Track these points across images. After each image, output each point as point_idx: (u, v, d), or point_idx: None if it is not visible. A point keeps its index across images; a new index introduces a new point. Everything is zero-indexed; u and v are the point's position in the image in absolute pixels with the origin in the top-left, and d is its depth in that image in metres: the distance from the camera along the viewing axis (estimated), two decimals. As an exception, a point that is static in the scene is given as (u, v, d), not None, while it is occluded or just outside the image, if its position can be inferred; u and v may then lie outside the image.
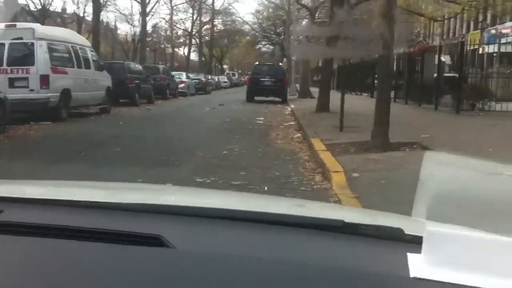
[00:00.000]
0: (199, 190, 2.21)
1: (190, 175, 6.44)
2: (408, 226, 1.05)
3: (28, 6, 36.25)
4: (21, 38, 12.89)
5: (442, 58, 18.65)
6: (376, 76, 21.29)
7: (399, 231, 1.03)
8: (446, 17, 25.39)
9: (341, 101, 10.81)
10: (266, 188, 5.81)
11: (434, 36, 42.51)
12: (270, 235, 1.07)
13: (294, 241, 1.05)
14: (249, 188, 5.77)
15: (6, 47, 12.75)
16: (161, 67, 30.74)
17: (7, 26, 13.39)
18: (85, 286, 0.85)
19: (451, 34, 42.12)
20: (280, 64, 31.76)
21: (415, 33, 35.63)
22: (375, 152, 7.71)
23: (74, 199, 1.25)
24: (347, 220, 1.09)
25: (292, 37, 37.32)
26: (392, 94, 13.48)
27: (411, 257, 0.91)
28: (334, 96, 15.55)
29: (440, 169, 1.10)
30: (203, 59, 63.47)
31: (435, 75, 17.09)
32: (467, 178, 1.11)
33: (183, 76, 32.98)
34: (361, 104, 16.54)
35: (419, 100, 16.98)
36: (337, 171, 6.36)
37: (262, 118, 15.02)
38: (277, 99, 24.31)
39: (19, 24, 14.22)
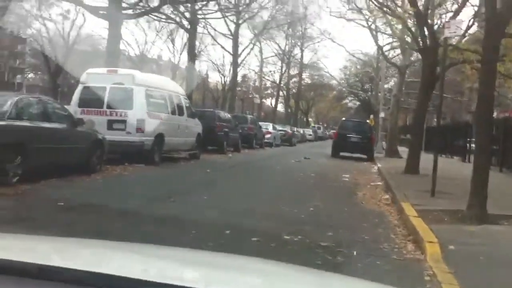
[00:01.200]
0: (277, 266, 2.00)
1: (277, 231, 6.37)
2: None
3: (128, 52, 38.54)
4: (122, 83, 13.57)
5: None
6: (469, 139, 20.55)
7: None
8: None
9: (434, 164, 10.43)
10: (355, 253, 5.64)
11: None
12: None
13: None
14: (337, 250, 5.62)
15: (107, 90, 13.46)
16: (249, 117, 31.34)
17: (109, 71, 14.22)
18: None
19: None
20: (367, 121, 31.45)
21: (511, 97, 34.27)
22: (471, 224, 7.31)
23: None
24: None
25: (379, 94, 37.13)
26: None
27: None
28: (423, 158, 15.11)
29: None
30: (289, 110, 64.22)
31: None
32: None
33: (270, 127, 33.41)
34: (452, 167, 15.97)
35: (515, 168, 16.11)
36: (431, 242, 6.06)
37: (348, 175, 14.80)
38: (363, 156, 23.96)
39: (120, 70, 15.05)
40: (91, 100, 13.48)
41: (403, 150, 19.62)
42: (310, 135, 54.63)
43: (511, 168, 16.53)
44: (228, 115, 24.49)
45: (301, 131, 50.55)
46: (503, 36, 8.91)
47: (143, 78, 14.55)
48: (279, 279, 1.52)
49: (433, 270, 5.08)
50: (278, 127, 37.69)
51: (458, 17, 15.42)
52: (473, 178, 8.00)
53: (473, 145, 16.96)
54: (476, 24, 16.94)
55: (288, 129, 39.82)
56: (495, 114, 23.36)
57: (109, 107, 13.40)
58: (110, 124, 13.25)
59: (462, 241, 6.25)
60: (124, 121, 13.30)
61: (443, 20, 11.24)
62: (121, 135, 13.04)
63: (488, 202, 7.88)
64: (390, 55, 33.42)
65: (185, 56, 33.96)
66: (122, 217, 6.61)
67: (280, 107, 67.90)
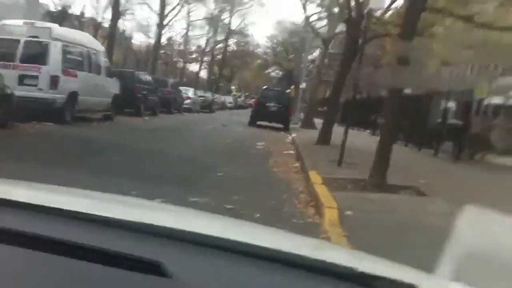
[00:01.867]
0: (195, 213, 2.12)
1: (184, 193, 6.44)
2: (427, 283, 0.98)
3: (48, 6, 36.70)
4: (37, 37, 13.00)
5: (448, 104, 18.71)
6: (381, 113, 21.38)
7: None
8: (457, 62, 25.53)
9: (344, 136, 10.84)
10: (257, 215, 5.83)
11: (442, 80, 42.71)
12: (278, 275, 1.00)
13: (303, 286, 0.99)
14: (241, 213, 5.78)
15: (21, 44, 12.87)
16: (170, 80, 30.89)
17: (25, 23, 13.57)
18: None
19: (460, 81, 42.33)
20: (288, 91, 31.88)
21: (424, 75, 35.80)
22: (371, 192, 7.73)
23: (70, 208, 1.16)
24: (360, 268, 1.01)
25: (302, 65, 37.64)
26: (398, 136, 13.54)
27: None
28: (336, 130, 15.63)
29: (476, 226, 1.02)
30: (212, 77, 63.88)
31: (439, 120, 17.15)
32: (504, 237, 1.03)
33: (190, 92, 33.15)
34: (361, 140, 16.61)
35: (419, 144, 17.01)
36: (330, 207, 6.37)
37: (262, 143, 15.06)
38: (279, 125, 24.38)
39: (38, 23, 14.38)
40: (2, 53, 12.83)
41: (320, 122, 20.14)
42: (230, 103, 54.77)
43: (416, 144, 17.41)
44: (148, 77, 24.03)
45: (222, 98, 50.56)
46: (423, 11, 9.24)
47: (61, 33, 13.99)
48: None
49: (328, 234, 5.37)
50: (199, 93, 37.48)
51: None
52: (377, 149, 8.42)
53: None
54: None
55: (209, 95, 39.71)
56: (409, 91, 24.38)
57: (22, 61, 12.83)
58: (21, 79, 12.72)
59: (360, 208, 6.61)
60: (36, 77, 12.80)
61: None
62: (32, 91, 12.55)
63: (390, 173, 8.34)
64: (317, 26, 33.84)
65: (109, 14, 32.77)
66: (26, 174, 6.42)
67: (204, 73, 67.46)
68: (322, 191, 7.41)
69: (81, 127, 13.32)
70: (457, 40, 17.07)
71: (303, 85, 34.30)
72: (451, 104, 21.22)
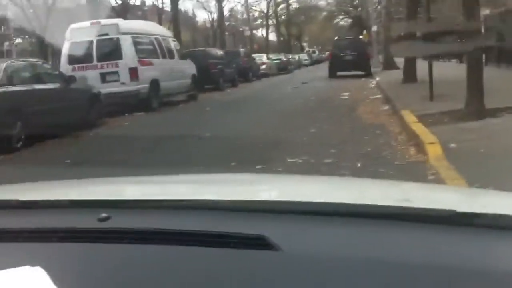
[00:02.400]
0: (288, 178, 2.13)
1: (282, 155, 6.47)
2: None
3: (109, 2, 37.67)
4: (107, 34, 13.40)
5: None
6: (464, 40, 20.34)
7: None
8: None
9: (429, 69, 10.41)
10: (359, 164, 5.75)
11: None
12: (376, 231, 0.98)
13: (402, 237, 0.96)
14: (342, 165, 5.73)
15: (94, 44, 13.31)
16: (241, 50, 30.97)
17: (92, 23, 14.00)
18: None
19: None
20: (361, 37, 31.01)
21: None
22: (470, 121, 7.40)
23: (172, 198, 1.23)
24: (457, 207, 0.99)
25: (369, 8, 36.38)
26: (483, 58, 12.83)
27: None
28: (421, 65, 15.02)
29: None
30: (281, 38, 63.35)
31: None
32: None
33: (264, 58, 33.07)
34: (450, 71, 15.88)
35: (512, 62, 16.03)
36: (432, 143, 6.16)
37: (347, 94, 14.79)
38: (360, 72, 23.82)
39: (103, 21, 14.79)
40: (79, 56, 13.36)
41: (401, 61, 19.47)
42: (305, 60, 54.04)
43: (509, 63, 16.43)
44: (220, 52, 24.21)
45: (296, 57, 50.01)
46: None
47: (127, 26, 14.33)
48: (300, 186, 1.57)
49: (436, 169, 5.20)
50: (273, 57, 37.30)
51: None
52: (468, 76, 8.02)
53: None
54: None
55: (282, 57, 39.39)
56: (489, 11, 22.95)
57: (99, 60, 13.28)
58: (103, 77, 13.19)
59: (463, 138, 6.35)
60: (116, 72, 13.22)
61: None
62: (115, 86, 12.99)
63: (487, 97, 7.93)
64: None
65: (168, -2, 33.22)
66: (127, 167, 6.70)
67: (272, 37, 67.01)
68: (419, 129, 7.18)
69: (169, 111, 13.69)
70: None
71: (374, 28, 33.18)
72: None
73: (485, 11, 18.38)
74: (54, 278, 0.81)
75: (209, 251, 0.93)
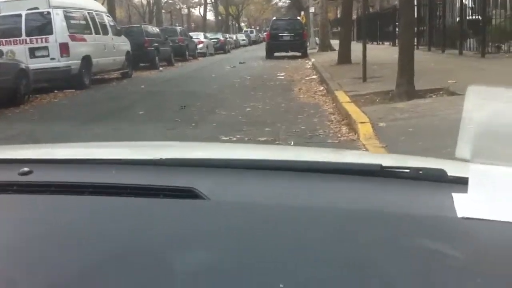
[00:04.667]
0: (225, 145, 2.18)
1: (216, 134, 6.44)
2: (450, 167, 1.01)
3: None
4: (37, 8, 12.86)
5: (464, 1, 18.07)
6: (397, 23, 20.89)
7: (441, 171, 0.99)
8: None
9: (363, 51, 10.61)
10: (292, 142, 5.80)
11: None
12: (305, 182, 1.02)
13: (331, 188, 1.01)
14: (276, 143, 5.76)
15: (23, 17, 12.76)
16: (178, 28, 30.48)
17: None
18: (123, 238, 0.83)
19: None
20: (298, 17, 31.18)
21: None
22: (400, 101, 7.61)
23: (103, 157, 1.24)
24: (384, 163, 1.05)
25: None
26: (415, 41, 13.21)
27: (457, 197, 0.88)
28: (355, 47, 15.30)
29: (485, 104, 1.02)
30: (219, 18, 62.84)
31: (458, 19, 16.63)
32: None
33: (201, 37, 32.68)
34: (383, 53, 16.28)
35: (442, 46, 16.61)
36: (363, 122, 6.30)
37: (283, 74, 14.88)
38: (297, 53, 24.01)
39: (34, -7, 14.15)
40: (7, 30, 12.78)
41: (336, 43, 19.76)
42: (243, 40, 53.94)
43: (439, 46, 17.00)
44: (156, 29, 23.70)
45: (234, 37, 49.81)
46: None
47: (59, 0, 13.78)
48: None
49: (366, 147, 5.32)
50: (210, 36, 36.95)
51: None
52: (399, 57, 8.23)
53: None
54: None
55: (220, 36, 39.12)
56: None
57: (28, 34, 12.74)
58: (32, 52, 12.67)
59: (392, 118, 6.52)
60: (46, 47, 12.73)
61: None
62: (45, 62, 12.51)
63: (417, 79, 8.17)
64: None
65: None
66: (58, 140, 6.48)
67: (210, 16, 66.38)
68: (351, 108, 7.32)
69: (102, 88, 13.32)
70: None
71: (312, 9, 33.49)
72: (467, 0, 20.52)
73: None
74: None
75: (137, 201, 0.94)
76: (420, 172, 1.02)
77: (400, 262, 0.74)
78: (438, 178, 0.99)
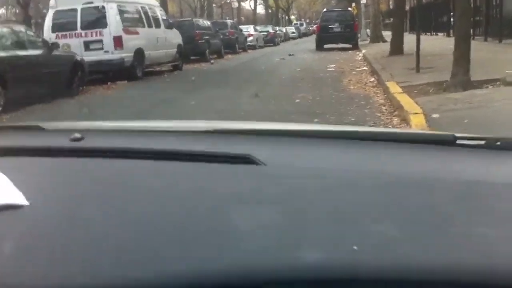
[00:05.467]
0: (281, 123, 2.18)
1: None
2: None
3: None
4: (92, 2, 13.18)
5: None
6: (452, 13, 20.33)
7: None
8: None
9: (417, 41, 10.35)
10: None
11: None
12: (372, 150, 1.00)
13: (399, 155, 0.99)
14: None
15: (79, 12, 13.11)
16: (229, 21, 30.63)
17: None
18: (181, 203, 0.83)
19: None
20: (349, 9, 30.75)
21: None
22: (455, 91, 7.38)
23: (159, 127, 1.25)
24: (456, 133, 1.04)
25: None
26: (471, 31, 12.80)
27: None
28: (408, 39, 14.97)
29: None
30: (269, 11, 62.73)
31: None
32: None
33: (251, 29, 32.69)
34: (437, 44, 15.87)
35: (499, 36, 16.02)
36: (416, 113, 6.15)
37: (333, 65, 14.71)
38: (347, 45, 23.70)
39: (88, -12, 14.48)
40: (63, 24, 13.18)
41: (389, 35, 19.39)
42: (293, 32, 53.61)
43: (495, 36, 16.41)
44: (207, 23, 23.90)
45: (284, 30, 49.61)
46: None
47: (113, -6, 14.07)
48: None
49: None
50: (260, 29, 36.93)
51: None
52: (455, 47, 7.98)
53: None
54: None
55: (269, 29, 39.03)
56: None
57: (83, 28, 13.11)
58: (87, 45, 13.03)
59: (447, 109, 6.34)
60: (100, 41, 13.05)
61: None
62: (99, 55, 12.83)
63: (473, 70, 7.91)
64: None
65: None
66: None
67: (260, 9, 66.37)
68: (403, 99, 7.17)
69: (153, 81, 13.54)
70: None
71: (364, 1, 32.94)
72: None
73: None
74: (32, 189, 0.83)
75: (195, 166, 0.95)
76: (498, 143, 1.00)
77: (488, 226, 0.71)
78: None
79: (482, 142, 1.01)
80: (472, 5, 17.74)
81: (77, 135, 1.06)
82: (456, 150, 1.00)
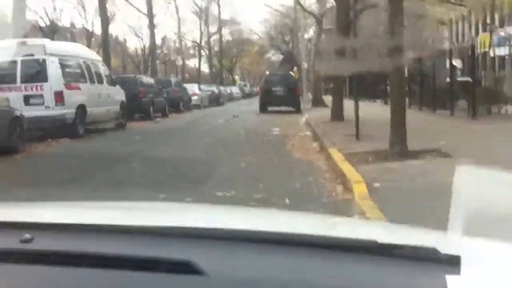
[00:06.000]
0: (219, 208, 2.17)
1: (210, 189, 6.42)
2: (443, 244, 1.03)
3: (37, 22, 36.63)
4: (33, 55, 12.94)
5: (454, 62, 18.52)
6: (388, 82, 21.31)
7: (434, 251, 1.00)
8: (453, 20, 25.26)
9: (356, 110, 10.77)
10: (287, 201, 5.78)
11: (443, 40, 42.33)
12: (301, 257, 1.03)
13: (326, 264, 1.02)
14: (271, 201, 5.74)
15: (19, 64, 12.80)
16: (173, 79, 30.83)
17: (18, 43, 13.44)
18: None
19: (460, 38, 41.94)
20: (291, 72, 31.72)
21: (424, 37, 35.43)
22: (394, 161, 7.66)
23: (99, 222, 1.24)
24: (379, 239, 1.06)
25: (300, 45, 37.39)
26: (406, 101, 13.43)
27: (450, 280, 0.89)
28: (348, 104, 15.51)
29: (473, 184, 1.08)
30: (213, 70, 63.72)
31: (448, 79, 16.98)
32: (501, 192, 1.09)
33: (196, 88, 32.91)
34: (375, 111, 16.49)
35: (433, 106, 16.87)
36: (358, 181, 6.31)
37: (277, 129, 14.99)
38: (290, 108, 24.27)
39: (30, 40, 14.21)
40: (2, 76, 12.79)
41: (329, 100, 20.04)
42: (237, 93, 54.57)
43: (430, 106, 17.27)
44: (151, 80, 23.99)
45: (228, 90, 50.40)
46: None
47: (55, 47, 13.92)
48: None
49: (362, 208, 5.31)
50: (204, 88, 37.33)
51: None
52: (392, 117, 8.34)
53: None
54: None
55: (214, 88, 39.56)
56: (412, 56, 24.14)
57: (23, 81, 12.78)
58: (27, 100, 12.68)
59: (387, 178, 6.55)
60: (41, 95, 12.77)
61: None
62: (40, 110, 12.52)
63: (410, 138, 8.26)
64: (307, 4, 33.58)
65: (98, 21, 32.53)
66: (48, 193, 6.41)
67: (205, 68, 67.26)
68: (346, 167, 7.36)
69: (96, 139, 13.34)
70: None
71: (305, 65, 34.10)
72: (457, 62, 21.06)
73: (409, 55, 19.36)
74: None
75: (134, 275, 0.94)
76: (413, 250, 1.03)
77: None
78: (432, 258, 1.00)
79: (402, 251, 1.03)
80: (407, 75, 18.72)
81: (27, 235, 1.04)
82: (377, 260, 1.02)
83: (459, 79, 18.34)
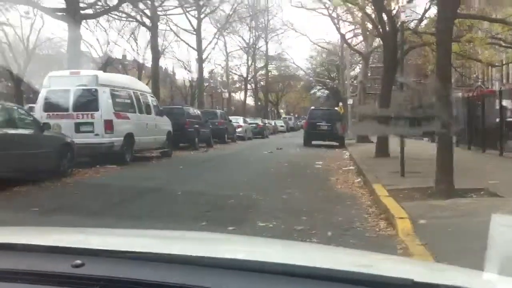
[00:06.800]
0: (259, 240, 2.19)
1: (253, 218, 6.44)
2: (478, 284, 1.03)
3: (91, 54, 37.98)
4: (85, 85, 13.42)
5: (504, 103, 18.12)
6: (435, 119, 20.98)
7: None
8: (504, 62, 24.82)
9: (401, 146, 10.65)
10: (330, 233, 5.73)
11: (493, 80, 41.60)
12: None
13: None
14: (312, 233, 5.71)
15: (72, 93, 13.28)
16: (218, 111, 31.28)
17: (72, 73, 14.02)
18: None
19: (510, 79, 41.09)
20: (336, 108, 31.71)
21: (473, 77, 34.90)
22: (440, 199, 7.49)
23: (145, 250, 1.28)
24: (416, 277, 1.06)
25: (346, 82, 37.42)
26: (454, 139, 13.19)
27: None
28: (393, 141, 15.33)
29: (508, 230, 1.13)
30: (259, 103, 64.25)
31: (497, 119, 16.61)
32: None
33: (241, 121, 33.36)
34: (421, 148, 16.23)
35: (482, 145, 16.50)
36: (402, 217, 6.20)
37: (320, 162, 14.94)
38: (334, 143, 24.18)
39: (83, 71, 14.79)
40: (55, 104, 13.29)
41: (375, 136, 19.85)
42: (282, 126, 54.76)
43: (479, 146, 16.89)
44: (197, 111, 24.41)
45: (273, 123, 50.65)
46: (456, 17, 9.07)
47: (107, 78, 14.41)
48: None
49: (405, 243, 5.21)
50: (249, 120, 37.68)
51: (414, 1, 15.73)
52: (438, 155, 8.18)
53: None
54: (433, 7, 17.26)
55: (259, 121, 39.83)
56: (460, 94, 23.82)
57: (75, 109, 13.24)
58: (78, 127, 13.11)
59: (432, 215, 6.41)
60: (91, 123, 13.18)
61: (400, 5, 11.42)
62: (89, 137, 12.93)
63: (457, 177, 8.07)
64: (354, 42, 33.74)
65: (149, 54, 33.52)
66: (96, 218, 6.57)
67: (250, 100, 67.93)
68: (390, 203, 7.25)
69: (142, 166, 13.61)
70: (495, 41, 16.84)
71: (350, 101, 34.04)
72: (507, 102, 20.57)
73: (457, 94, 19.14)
74: None
75: None
76: None
77: None
78: None
79: None
80: (456, 114, 18.39)
81: (78, 261, 1.10)
82: None
83: (508, 119, 17.91)
